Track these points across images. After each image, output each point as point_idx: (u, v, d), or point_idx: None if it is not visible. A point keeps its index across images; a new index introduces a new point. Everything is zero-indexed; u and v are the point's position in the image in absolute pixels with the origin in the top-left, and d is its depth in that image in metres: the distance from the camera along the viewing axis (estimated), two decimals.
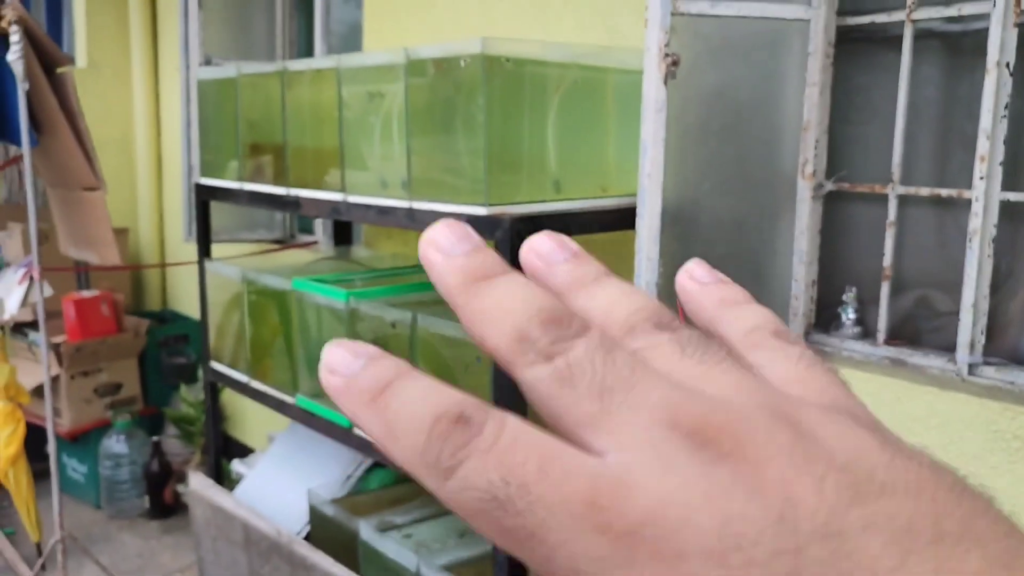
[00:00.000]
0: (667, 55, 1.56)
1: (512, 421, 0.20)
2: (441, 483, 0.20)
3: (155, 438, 3.48)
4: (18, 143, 2.52)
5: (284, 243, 3.21)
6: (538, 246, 0.25)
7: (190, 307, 3.92)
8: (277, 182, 2.16)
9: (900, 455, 0.19)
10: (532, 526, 0.18)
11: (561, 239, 0.26)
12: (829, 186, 1.72)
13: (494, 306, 0.22)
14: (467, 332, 0.23)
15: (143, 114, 4.02)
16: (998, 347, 1.55)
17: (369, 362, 0.22)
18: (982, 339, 1.53)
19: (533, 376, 0.21)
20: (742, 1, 1.59)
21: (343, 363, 0.22)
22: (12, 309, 2.65)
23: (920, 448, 0.20)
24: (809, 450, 0.19)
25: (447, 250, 0.24)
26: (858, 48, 1.72)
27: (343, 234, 2.90)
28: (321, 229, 3.01)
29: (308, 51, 3.22)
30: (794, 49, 1.65)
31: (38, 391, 2.99)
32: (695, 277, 0.27)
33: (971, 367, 1.53)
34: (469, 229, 0.24)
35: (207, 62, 2.97)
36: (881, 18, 1.64)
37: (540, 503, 0.18)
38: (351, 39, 2.95)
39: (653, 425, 0.19)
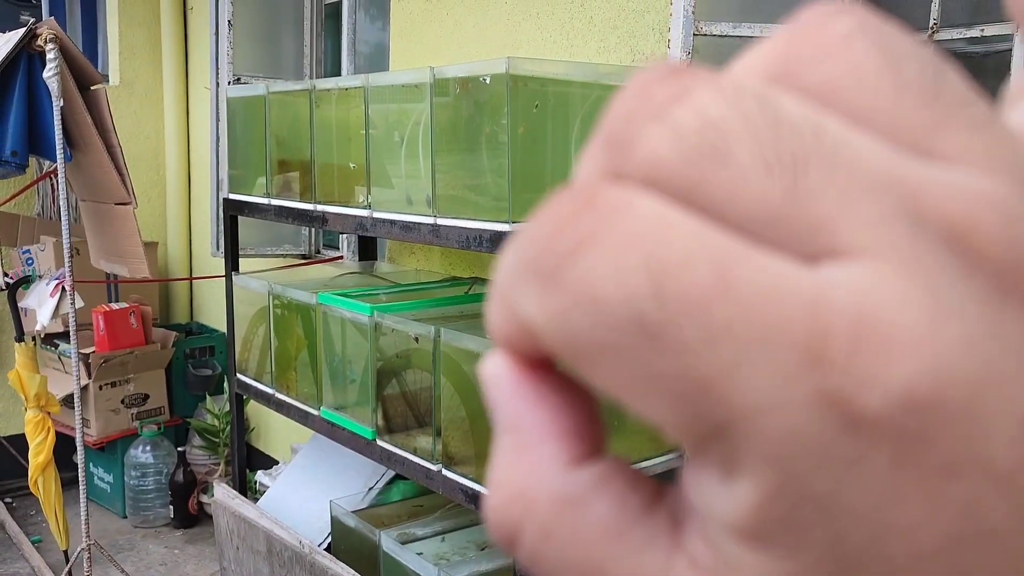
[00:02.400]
0: None
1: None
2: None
3: (180, 448, 3.52)
4: (53, 158, 2.58)
5: (309, 258, 3.25)
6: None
7: (216, 320, 3.97)
8: (304, 198, 2.20)
9: None
10: (707, 374, 0.12)
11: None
12: None
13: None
14: None
15: (173, 131, 4.10)
16: None
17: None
18: None
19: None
20: (764, 23, 1.61)
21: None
22: (44, 320, 2.70)
23: None
24: None
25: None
26: None
27: (367, 249, 2.94)
28: (346, 244, 3.05)
29: (335, 70, 3.27)
30: None
31: (67, 401, 3.04)
32: None
33: None
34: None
35: (237, 80, 3.03)
36: None
37: (726, 335, 0.11)
38: (377, 58, 3.00)
39: (892, 220, 0.12)
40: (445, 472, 1.79)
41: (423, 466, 1.84)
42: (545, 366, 0.15)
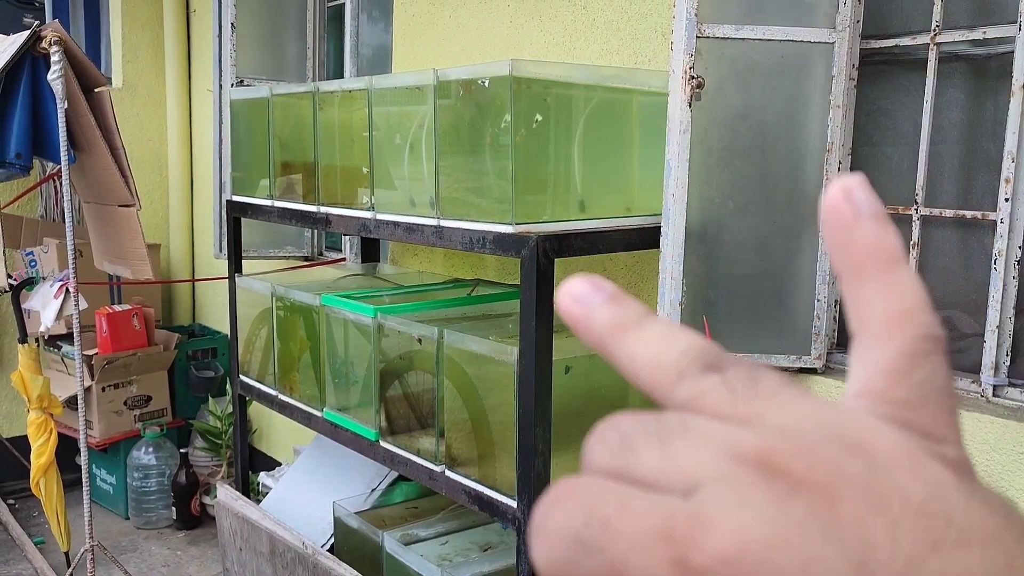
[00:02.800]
0: (692, 78, 1.58)
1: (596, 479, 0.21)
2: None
3: (183, 450, 3.53)
4: (56, 160, 2.59)
5: (312, 260, 3.26)
6: (575, 290, 0.24)
7: (219, 322, 3.98)
8: (307, 200, 2.20)
9: (975, 499, 0.19)
10: (615, 560, 0.19)
11: (596, 281, 0.25)
12: None
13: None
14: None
15: (176, 133, 4.10)
16: (1023, 369, 1.55)
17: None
18: (1007, 361, 1.53)
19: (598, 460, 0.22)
20: (766, 25, 1.62)
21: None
22: (48, 322, 2.71)
23: (987, 485, 0.20)
24: (884, 485, 0.18)
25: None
26: (882, 71, 1.74)
27: (370, 251, 2.94)
28: (349, 246, 3.05)
29: (338, 72, 3.28)
30: (818, 72, 1.67)
31: (70, 402, 3.05)
32: (852, 199, 0.23)
33: (996, 389, 1.53)
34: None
35: (240, 83, 3.04)
36: (905, 41, 1.66)
37: (623, 537, 0.19)
38: (380, 61, 3.01)
39: (720, 460, 0.19)
40: (448, 473, 1.80)
41: (426, 467, 1.85)
42: None
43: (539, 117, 1.64)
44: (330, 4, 3.31)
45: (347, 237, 3.03)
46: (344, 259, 3.07)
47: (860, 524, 0.18)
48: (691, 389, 0.22)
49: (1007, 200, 1.49)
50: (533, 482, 1.60)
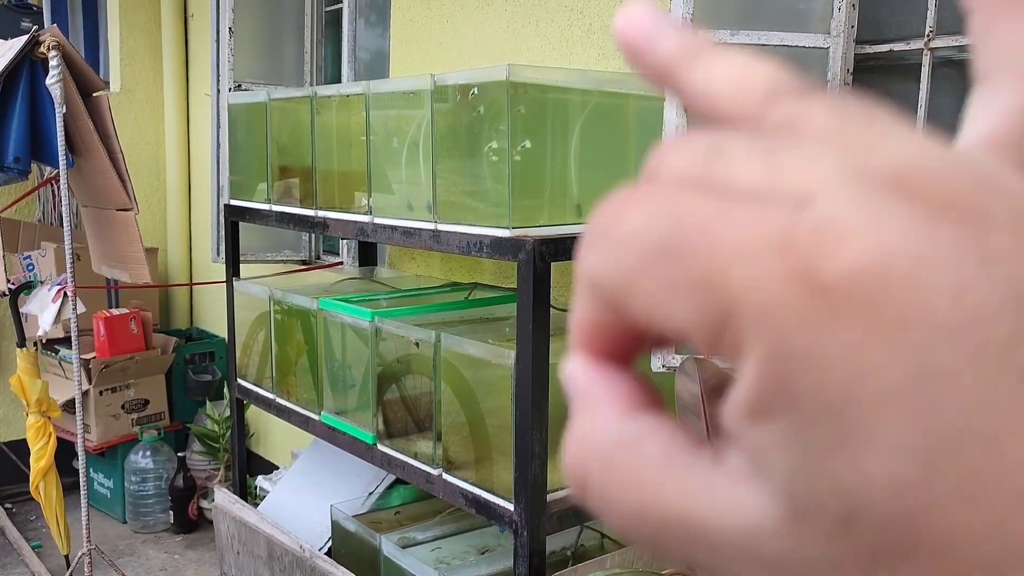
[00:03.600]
0: None
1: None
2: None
3: (180, 454, 3.53)
4: (55, 165, 2.60)
5: (309, 263, 3.26)
6: (636, 14, 0.20)
7: (216, 325, 3.98)
8: (305, 204, 2.21)
9: None
10: (710, 272, 0.16)
11: (664, 13, 0.21)
12: None
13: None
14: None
15: (174, 137, 4.11)
16: None
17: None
18: None
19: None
20: (761, 30, 1.63)
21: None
22: (46, 326, 2.71)
23: None
24: None
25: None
26: (876, 76, 1.75)
27: (368, 255, 2.95)
28: (346, 250, 3.06)
29: (335, 77, 3.29)
30: (813, 77, 1.68)
31: (68, 406, 3.05)
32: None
33: None
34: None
35: (237, 87, 3.04)
36: (899, 46, 1.67)
37: (723, 245, 0.16)
38: (377, 65, 3.02)
39: (839, 174, 0.16)
40: (446, 476, 1.80)
41: (423, 470, 1.85)
42: (609, 357, 0.19)
43: (527, 144, 1.65)
44: (328, 9, 3.32)
45: (345, 241, 3.03)
46: (342, 263, 3.08)
47: (1016, 257, 0.15)
48: (791, 109, 0.18)
49: None
50: (530, 485, 1.61)
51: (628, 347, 0.19)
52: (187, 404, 3.80)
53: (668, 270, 0.16)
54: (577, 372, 0.19)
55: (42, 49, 2.51)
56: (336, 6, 3.22)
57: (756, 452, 0.16)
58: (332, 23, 3.32)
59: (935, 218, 0.15)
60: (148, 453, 3.52)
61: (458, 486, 1.77)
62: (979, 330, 0.14)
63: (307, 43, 3.32)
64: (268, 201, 2.35)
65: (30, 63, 2.55)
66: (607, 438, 0.18)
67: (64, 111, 2.50)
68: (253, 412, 3.46)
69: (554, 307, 1.64)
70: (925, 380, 0.14)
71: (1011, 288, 0.15)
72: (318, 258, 3.31)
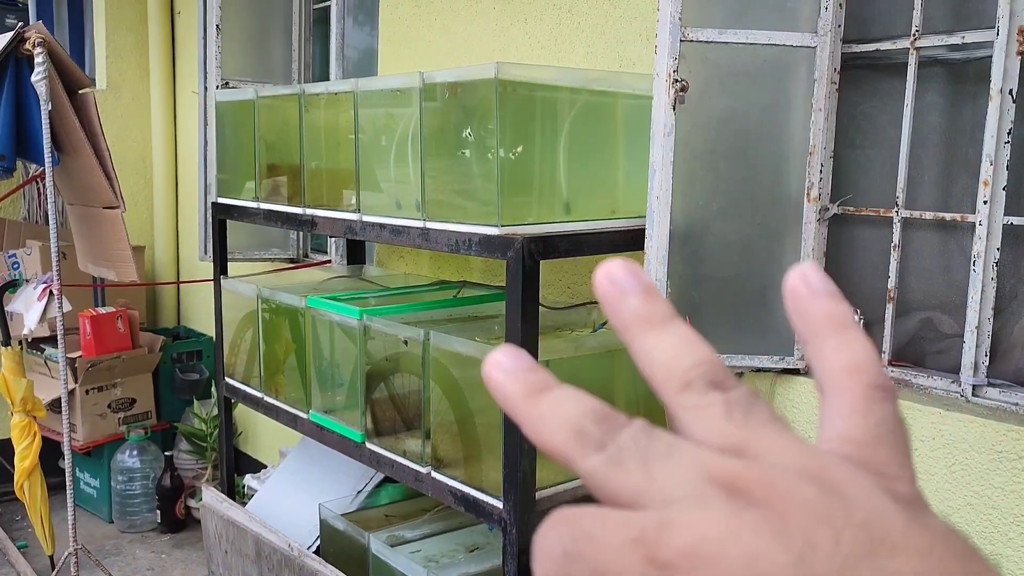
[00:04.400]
0: (676, 81, 1.60)
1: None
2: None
3: (167, 453, 3.51)
4: (40, 162, 2.58)
5: (298, 262, 3.25)
6: (614, 272, 0.27)
7: (204, 324, 3.96)
8: (293, 202, 2.20)
9: (916, 523, 0.22)
10: (597, 567, 0.22)
11: (635, 269, 0.27)
12: (834, 209, 1.75)
13: (552, 411, 0.25)
14: (529, 436, 0.26)
15: (161, 135, 4.09)
16: (1002, 369, 1.57)
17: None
18: (986, 361, 1.55)
19: (591, 464, 0.24)
20: (749, 29, 1.63)
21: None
22: (31, 324, 2.69)
23: (941, 516, 0.23)
24: (832, 506, 0.21)
25: (509, 369, 0.26)
26: (863, 75, 1.76)
27: (356, 253, 2.94)
28: (334, 248, 3.05)
29: (324, 74, 3.28)
30: (800, 75, 1.69)
31: (53, 405, 3.03)
32: (808, 281, 0.28)
33: (975, 388, 1.56)
34: (524, 352, 0.27)
35: (225, 84, 3.03)
36: (886, 46, 1.68)
37: (604, 546, 0.22)
38: (365, 63, 3.01)
39: (691, 481, 0.22)
40: (434, 474, 1.80)
41: (412, 469, 1.85)
42: None
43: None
44: (316, 6, 3.31)
45: (333, 239, 3.03)
46: (330, 261, 3.07)
47: (805, 529, 0.21)
48: (693, 400, 0.25)
49: (985, 202, 1.52)
50: (519, 483, 1.61)
51: None
52: (174, 403, 3.78)
53: (575, 570, 0.22)
54: None
55: (27, 46, 2.49)
56: (324, 4, 3.21)
57: None
58: (320, 21, 3.31)
59: (747, 508, 0.21)
60: (135, 452, 3.50)
61: (447, 484, 1.77)
62: None
63: (295, 41, 3.31)
64: (256, 199, 2.35)
65: (15, 60, 2.53)
66: None
67: (50, 108, 2.48)
68: (241, 411, 3.45)
69: (543, 305, 1.65)
70: None
71: (796, 550, 0.20)
72: (306, 256, 3.30)
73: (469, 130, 1.65)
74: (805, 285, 0.27)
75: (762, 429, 0.24)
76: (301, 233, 3.25)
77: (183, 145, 4.07)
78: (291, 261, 3.26)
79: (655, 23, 1.65)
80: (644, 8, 1.99)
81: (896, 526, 0.21)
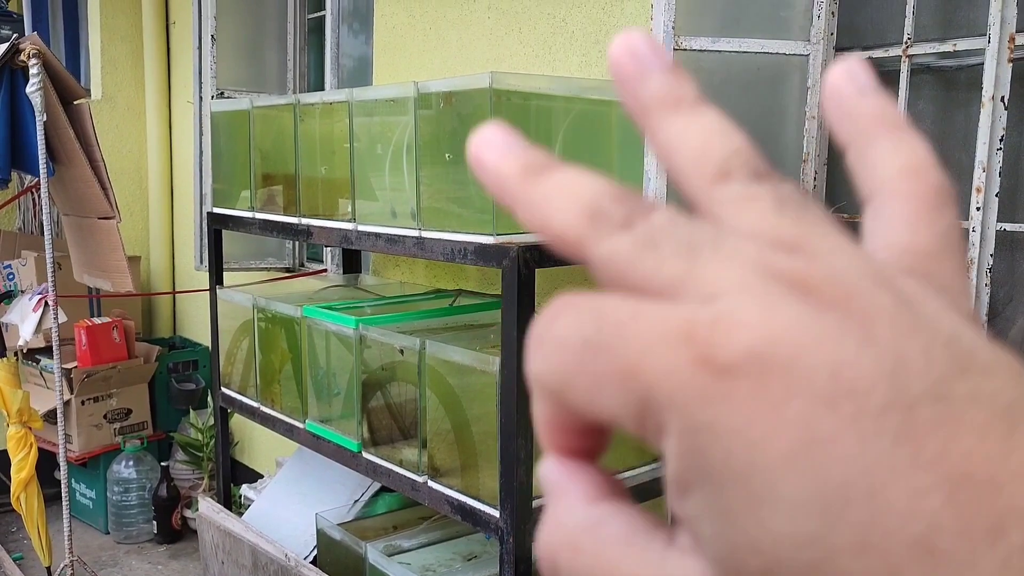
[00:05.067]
0: None
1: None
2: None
3: (164, 463, 3.50)
4: (35, 173, 2.58)
5: (293, 271, 3.25)
6: (635, 44, 0.23)
7: (199, 334, 3.96)
8: (288, 211, 2.21)
9: (995, 345, 0.19)
10: (628, 362, 0.18)
11: (659, 45, 0.23)
12: None
13: (559, 189, 0.21)
14: (527, 221, 0.22)
15: (156, 145, 4.09)
16: None
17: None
18: None
19: (611, 248, 0.20)
20: (742, 38, 1.64)
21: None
22: (27, 335, 2.69)
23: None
24: (915, 318, 0.18)
25: (501, 147, 0.23)
26: None
27: (352, 262, 2.94)
28: (330, 257, 3.05)
29: (319, 83, 3.28)
30: (793, 83, 1.70)
31: (49, 416, 3.02)
32: (856, 78, 0.23)
33: None
34: (516, 135, 0.23)
35: (220, 95, 3.04)
36: (878, 53, 1.69)
37: (636, 340, 0.18)
38: (360, 72, 3.02)
39: (749, 274, 0.18)
40: (431, 484, 1.80)
41: (409, 478, 1.85)
42: (574, 453, 0.22)
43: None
44: (310, 16, 3.32)
45: (328, 248, 3.03)
46: (325, 270, 3.07)
47: (894, 341, 0.17)
48: (736, 192, 0.20)
49: (979, 209, 1.52)
50: (516, 492, 1.61)
51: (589, 442, 0.21)
52: (170, 413, 3.77)
53: (594, 366, 0.19)
54: (547, 469, 0.22)
55: (22, 57, 2.49)
56: (319, 13, 3.22)
57: (690, 524, 0.18)
58: (315, 30, 3.31)
59: (823, 311, 0.18)
60: (131, 463, 3.49)
61: (444, 493, 1.77)
62: (854, 400, 0.17)
63: (290, 50, 3.32)
64: (251, 209, 2.35)
65: (10, 71, 2.53)
66: (574, 524, 0.20)
67: (45, 119, 2.48)
68: (237, 421, 3.44)
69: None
70: (811, 445, 0.17)
71: (888, 364, 0.17)
72: (302, 265, 3.30)
73: (449, 154, 1.65)
74: (852, 83, 0.23)
75: (819, 227, 0.20)
76: (296, 242, 3.25)
77: (178, 155, 4.07)
78: (287, 270, 3.26)
79: (648, 32, 1.65)
80: (637, 17, 2.00)
81: (980, 346, 0.18)
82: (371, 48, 2.84)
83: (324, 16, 3.04)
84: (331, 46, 2.99)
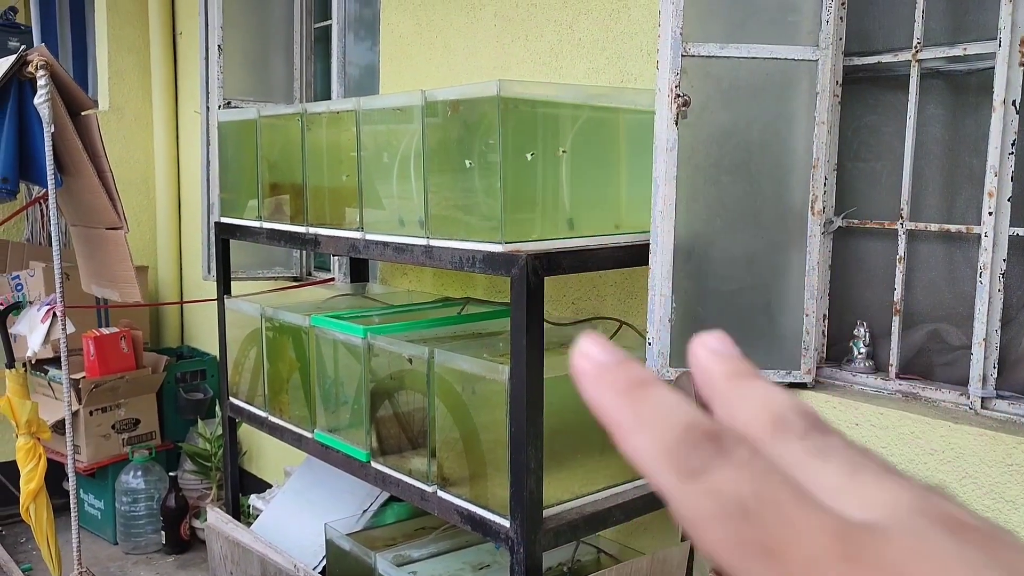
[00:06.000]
0: (678, 96, 1.60)
1: (761, 453, 0.22)
2: (679, 482, 0.21)
3: (172, 473, 3.50)
4: (44, 184, 2.58)
5: (301, 280, 3.25)
6: (710, 343, 0.26)
7: (207, 343, 3.96)
8: (296, 221, 2.20)
9: None
10: (774, 542, 0.19)
11: (728, 341, 0.26)
12: (838, 222, 1.74)
13: (651, 412, 0.22)
14: (617, 439, 0.23)
15: (163, 155, 4.10)
16: (1011, 381, 1.56)
17: (624, 360, 0.24)
18: (994, 373, 1.54)
19: (684, 493, 0.21)
20: (751, 43, 1.64)
21: (598, 352, 0.24)
22: (35, 346, 2.69)
23: None
24: (1006, 550, 0.20)
25: (600, 360, 0.24)
26: (865, 87, 1.76)
27: (359, 271, 2.94)
28: (338, 266, 3.05)
29: (325, 92, 3.29)
30: (802, 89, 1.69)
31: (58, 427, 3.02)
32: (708, 345, 0.26)
33: (984, 401, 1.54)
34: (614, 345, 0.25)
35: (227, 104, 3.04)
36: (887, 58, 1.68)
37: (792, 524, 0.19)
38: (367, 80, 3.02)
39: (906, 508, 0.21)
40: (440, 493, 1.79)
41: (418, 487, 1.84)
42: None
43: (530, 155, 1.64)
44: (317, 25, 3.32)
45: (336, 257, 3.02)
46: (333, 279, 3.07)
47: (1012, 564, 0.19)
48: (788, 445, 0.23)
49: (991, 214, 1.51)
50: (526, 501, 1.60)
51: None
52: (178, 423, 3.77)
53: (743, 529, 0.20)
54: None
55: (30, 68, 2.50)
56: (325, 22, 3.22)
57: None
58: (321, 39, 3.32)
59: (965, 537, 0.20)
60: (139, 473, 3.49)
61: (453, 503, 1.76)
62: None
63: (296, 60, 3.32)
64: (259, 218, 2.35)
65: (18, 82, 2.54)
66: None
67: (52, 130, 2.49)
68: (245, 430, 3.44)
69: (548, 321, 1.64)
70: None
71: None
72: (309, 275, 3.30)
73: (470, 162, 1.65)
74: (705, 348, 0.27)
75: (861, 476, 0.22)
76: (304, 252, 3.25)
77: (185, 165, 4.08)
78: (294, 280, 3.25)
79: (656, 38, 1.65)
80: (645, 23, 2.00)
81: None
82: (377, 56, 2.84)
83: (330, 25, 3.04)
84: (337, 55, 2.99)
